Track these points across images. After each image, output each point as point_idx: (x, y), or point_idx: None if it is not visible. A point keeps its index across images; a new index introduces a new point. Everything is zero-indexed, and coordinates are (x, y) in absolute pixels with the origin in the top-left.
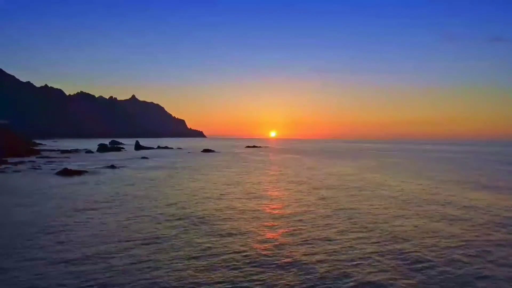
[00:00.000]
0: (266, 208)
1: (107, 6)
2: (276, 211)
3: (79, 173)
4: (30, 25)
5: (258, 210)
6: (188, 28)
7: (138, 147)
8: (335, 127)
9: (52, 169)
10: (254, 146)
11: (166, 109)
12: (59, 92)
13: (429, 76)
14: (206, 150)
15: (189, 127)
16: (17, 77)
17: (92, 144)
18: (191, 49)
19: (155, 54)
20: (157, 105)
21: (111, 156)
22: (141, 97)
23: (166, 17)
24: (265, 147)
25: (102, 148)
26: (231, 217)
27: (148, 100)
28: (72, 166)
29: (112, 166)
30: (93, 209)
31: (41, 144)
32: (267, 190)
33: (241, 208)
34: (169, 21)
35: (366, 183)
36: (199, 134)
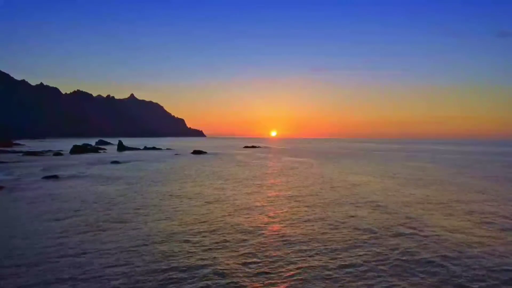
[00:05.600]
0: None
1: (105, 4)
2: None
3: None
4: (25, 22)
5: None
6: (188, 26)
7: (121, 148)
8: (335, 126)
9: None
10: (253, 146)
11: (165, 108)
12: (55, 90)
13: (430, 75)
14: (196, 152)
15: (188, 126)
16: (11, 75)
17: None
18: (190, 48)
19: (154, 52)
20: (156, 104)
21: (77, 160)
22: (140, 96)
23: (165, 15)
24: (265, 147)
25: (75, 150)
26: None
27: (147, 99)
28: (6, 176)
29: (55, 177)
30: None
31: (18, 144)
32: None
33: None
34: (168, 19)
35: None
36: (198, 133)
